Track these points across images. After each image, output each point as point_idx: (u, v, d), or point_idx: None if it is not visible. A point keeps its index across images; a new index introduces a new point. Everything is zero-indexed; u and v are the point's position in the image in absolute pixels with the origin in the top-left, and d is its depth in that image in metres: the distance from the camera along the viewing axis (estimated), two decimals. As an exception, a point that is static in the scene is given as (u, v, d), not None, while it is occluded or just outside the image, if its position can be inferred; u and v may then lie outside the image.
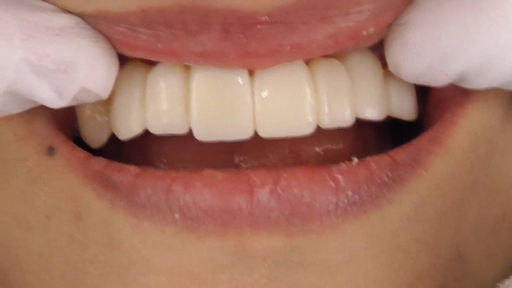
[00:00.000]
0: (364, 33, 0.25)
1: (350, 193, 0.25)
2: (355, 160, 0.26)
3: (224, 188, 0.25)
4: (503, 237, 0.28)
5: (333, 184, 0.25)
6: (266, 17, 0.24)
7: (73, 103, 0.25)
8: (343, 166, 0.26)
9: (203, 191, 0.25)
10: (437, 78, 0.25)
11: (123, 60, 0.28)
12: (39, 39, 0.23)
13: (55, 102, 0.24)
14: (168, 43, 0.25)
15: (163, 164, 0.31)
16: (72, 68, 0.24)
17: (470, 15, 0.23)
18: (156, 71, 0.28)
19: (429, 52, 0.24)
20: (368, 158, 0.26)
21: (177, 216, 0.25)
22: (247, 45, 0.24)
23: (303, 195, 0.25)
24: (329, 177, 0.25)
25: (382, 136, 0.33)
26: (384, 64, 0.29)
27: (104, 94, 0.26)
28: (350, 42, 0.25)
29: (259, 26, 0.24)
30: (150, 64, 0.28)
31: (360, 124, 0.30)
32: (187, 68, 0.27)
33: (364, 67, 0.29)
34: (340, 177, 0.25)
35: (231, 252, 0.25)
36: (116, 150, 0.30)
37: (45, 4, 0.25)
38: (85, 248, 0.26)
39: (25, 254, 0.27)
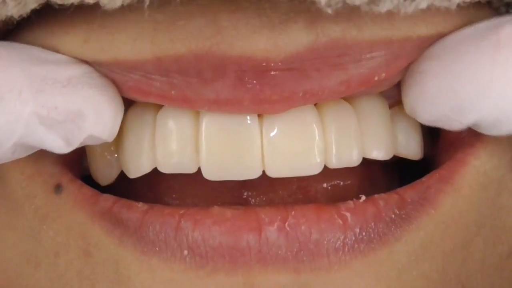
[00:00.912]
0: (376, 78, 0.26)
1: (357, 230, 0.25)
2: (363, 197, 0.26)
3: (233, 226, 0.25)
4: (507, 274, 0.28)
5: (340, 222, 0.25)
6: (279, 64, 0.24)
7: (78, 146, 0.25)
8: (350, 204, 0.26)
9: (212, 228, 0.25)
10: (452, 125, 0.25)
11: (133, 100, 0.28)
12: (47, 92, 0.24)
13: (63, 149, 0.25)
14: (182, 90, 0.25)
15: (172, 200, 0.32)
16: (79, 118, 0.24)
17: (486, 71, 0.23)
18: (166, 111, 0.28)
19: (444, 103, 0.25)
20: (376, 196, 0.26)
21: (185, 252, 0.25)
22: (260, 92, 0.25)
23: (311, 232, 0.25)
24: (337, 215, 0.26)
25: (390, 173, 0.33)
26: (391, 105, 0.30)
27: (110, 139, 0.26)
28: (362, 87, 0.26)
29: (272, 73, 0.24)
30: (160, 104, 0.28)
31: (368, 161, 0.30)
32: (197, 108, 0.28)
33: (372, 108, 0.29)
34: (348, 214, 0.26)
35: None
36: (125, 186, 0.31)
37: (54, 55, 0.25)
38: (93, 284, 0.26)
39: None
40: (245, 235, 0.25)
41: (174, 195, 0.32)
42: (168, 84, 0.25)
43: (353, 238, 0.25)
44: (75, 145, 0.25)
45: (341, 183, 0.33)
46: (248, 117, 0.27)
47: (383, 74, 0.26)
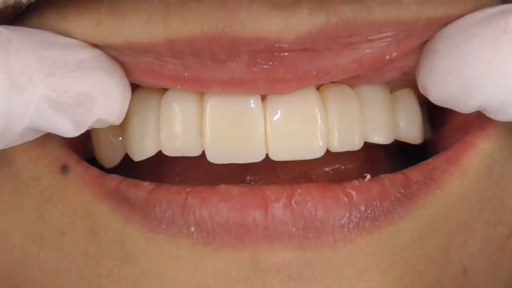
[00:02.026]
0: (388, 57, 0.26)
1: (362, 208, 0.26)
2: (368, 176, 0.27)
3: (239, 202, 0.25)
4: (507, 255, 0.29)
5: (346, 199, 0.26)
6: (292, 45, 0.24)
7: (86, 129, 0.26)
8: (356, 182, 0.26)
9: (219, 205, 0.25)
10: (460, 106, 0.26)
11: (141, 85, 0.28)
12: (58, 76, 0.24)
13: (71, 132, 0.25)
14: (195, 71, 0.25)
15: (175, 183, 0.32)
16: (89, 101, 0.25)
17: (492, 52, 0.24)
18: (170, 95, 0.28)
19: (452, 82, 0.25)
20: (382, 175, 0.27)
21: (192, 229, 0.25)
22: (274, 71, 0.25)
23: (317, 209, 0.25)
24: (342, 193, 0.26)
25: (391, 158, 0.33)
26: (392, 90, 0.30)
27: (117, 122, 0.26)
28: (374, 65, 0.26)
29: (285, 53, 0.25)
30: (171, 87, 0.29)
31: (369, 146, 0.30)
32: (201, 92, 0.28)
33: (373, 93, 0.29)
34: (353, 192, 0.26)
35: (245, 265, 0.25)
36: (129, 169, 0.31)
37: (64, 39, 0.25)
38: (99, 263, 0.26)
39: (40, 270, 0.28)
40: (252, 211, 0.25)
41: (176, 178, 0.32)
42: (181, 66, 0.25)
43: (358, 215, 0.26)
44: (83, 128, 0.25)
45: (343, 167, 0.33)
46: (252, 101, 0.27)
47: (394, 53, 0.26)
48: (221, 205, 0.25)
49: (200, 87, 0.26)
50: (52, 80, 0.24)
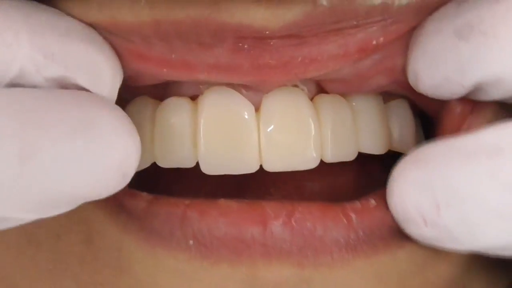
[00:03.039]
0: (374, 42, 0.26)
1: (361, 232, 0.26)
2: (372, 201, 0.26)
3: (238, 217, 0.25)
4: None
5: (345, 221, 0.26)
6: (278, 32, 0.24)
7: None
8: (357, 204, 0.26)
9: (218, 219, 0.25)
10: (454, 89, 0.25)
11: (132, 96, 0.28)
12: (45, 37, 0.23)
13: None
14: (182, 54, 0.25)
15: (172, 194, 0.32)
16: (76, 70, 0.24)
17: (488, 25, 0.24)
18: (165, 106, 0.28)
19: (447, 62, 0.25)
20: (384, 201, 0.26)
21: (191, 242, 0.25)
22: (260, 57, 0.25)
23: (316, 228, 0.25)
24: (342, 214, 0.26)
25: (387, 168, 0.33)
26: (385, 100, 0.30)
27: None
28: (360, 53, 0.26)
29: (271, 41, 0.25)
30: (159, 99, 0.29)
31: (364, 158, 0.30)
32: (195, 103, 0.28)
33: (366, 103, 0.29)
34: (353, 215, 0.26)
35: (242, 281, 0.25)
36: None
37: (54, 9, 0.25)
38: (95, 270, 0.26)
39: (35, 270, 0.27)
40: (250, 227, 0.25)
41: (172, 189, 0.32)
42: (168, 48, 0.25)
43: (357, 238, 0.25)
44: None
45: (338, 181, 0.33)
46: (246, 112, 0.27)
47: (381, 39, 0.26)
48: (220, 220, 0.25)
49: (187, 71, 0.26)
50: (39, 41, 0.23)
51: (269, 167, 0.28)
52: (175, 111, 0.28)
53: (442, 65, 0.25)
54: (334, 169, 0.31)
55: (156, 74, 0.26)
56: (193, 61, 0.25)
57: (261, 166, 0.28)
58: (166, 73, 0.26)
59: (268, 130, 0.28)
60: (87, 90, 0.24)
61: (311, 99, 0.29)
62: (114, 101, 0.25)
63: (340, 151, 0.29)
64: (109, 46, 0.25)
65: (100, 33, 0.25)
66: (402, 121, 0.30)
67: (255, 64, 0.25)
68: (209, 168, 0.28)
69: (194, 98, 0.28)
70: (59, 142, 0.22)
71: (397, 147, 0.31)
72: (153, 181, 0.32)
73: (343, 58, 0.26)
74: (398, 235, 0.26)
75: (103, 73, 0.25)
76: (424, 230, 0.24)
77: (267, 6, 0.24)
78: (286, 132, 0.28)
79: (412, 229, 0.25)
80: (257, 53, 0.25)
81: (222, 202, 0.26)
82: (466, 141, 0.23)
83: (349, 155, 0.29)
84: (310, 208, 0.26)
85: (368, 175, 0.33)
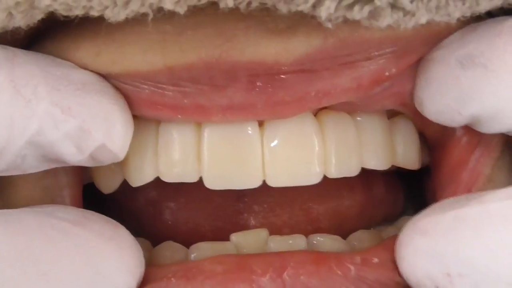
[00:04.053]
0: (387, 74, 0.26)
1: (363, 285, 0.25)
2: (375, 260, 0.26)
3: (224, 279, 0.25)
4: None
5: (340, 273, 0.25)
6: (290, 67, 0.24)
7: (90, 163, 0.25)
8: (357, 259, 0.26)
9: (204, 283, 0.25)
10: (453, 117, 0.25)
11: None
12: (62, 92, 0.24)
13: (74, 157, 0.25)
14: (195, 98, 0.25)
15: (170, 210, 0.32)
16: (92, 123, 0.24)
17: (487, 57, 0.24)
18: (168, 121, 0.28)
19: (448, 90, 0.25)
20: (387, 258, 0.26)
21: None
22: (273, 94, 0.25)
23: (311, 282, 0.25)
24: (336, 266, 0.25)
25: (392, 189, 0.33)
26: (389, 116, 0.30)
27: (121, 154, 0.26)
28: (373, 85, 0.26)
29: (283, 76, 0.25)
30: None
31: (369, 176, 0.30)
32: (199, 118, 0.28)
33: (370, 118, 0.29)
34: (352, 267, 0.25)
35: None
36: (126, 194, 0.31)
37: (68, 62, 0.25)
38: None
39: None
40: (237, 286, 0.25)
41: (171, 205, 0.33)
42: (180, 93, 0.25)
43: None
44: (86, 153, 0.25)
45: (343, 204, 0.33)
46: (249, 127, 0.27)
47: (393, 70, 0.26)
48: (206, 283, 0.25)
49: (201, 115, 0.26)
50: (56, 95, 0.24)
51: (273, 183, 0.28)
52: (179, 126, 0.28)
53: (444, 93, 0.25)
54: (340, 192, 0.30)
55: (170, 120, 0.27)
56: (207, 104, 0.26)
57: (265, 182, 0.28)
58: (180, 119, 0.26)
59: (272, 145, 0.28)
60: (102, 143, 0.25)
61: (315, 114, 0.29)
62: (125, 153, 0.26)
63: (344, 166, 0.29)
64: (122, 97, 0.26)
65: (112, 83, 0.26)
66: (406, 136, 0.30)
67: (269, 102, 0.25)
68: (213, 183, 0.28)
69: (198, 113, 0.28)
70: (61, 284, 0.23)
71: (401, 163, 0.31)
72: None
73: (356, 91, 0.26)
74: None
75: (117, 125, 0.25)
76: None
77: (278, 40, 0.24)
78: (290, 148, 0.28)
79: None
80: (270, 90, 0.25)
81: (207, 265, 0.26)
82: (473, 209, 0.23)
83: (353, 171, 0.29)
84: (303, 262, 0.25)
85: (373, 198, 0.33)
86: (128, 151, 0.29)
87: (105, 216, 0.26)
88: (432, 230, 0.24)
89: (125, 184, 0.30)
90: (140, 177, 0.29)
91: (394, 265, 0.25)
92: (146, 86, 0.25)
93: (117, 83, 0.26)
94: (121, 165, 0.30)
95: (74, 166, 0.28)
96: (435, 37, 0.25)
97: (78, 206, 0.28)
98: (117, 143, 0.25)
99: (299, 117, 0.28)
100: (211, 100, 0.25)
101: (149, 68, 0.25)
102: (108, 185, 0.31)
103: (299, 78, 0.25)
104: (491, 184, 0.27)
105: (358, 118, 0.29)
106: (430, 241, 0.24)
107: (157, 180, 0.29)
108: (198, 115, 0.26)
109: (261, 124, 0.28)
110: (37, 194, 0.28)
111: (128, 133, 0.26)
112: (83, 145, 0.24)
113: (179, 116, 0.26)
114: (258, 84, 0.25)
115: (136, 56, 0.25)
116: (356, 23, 0.23)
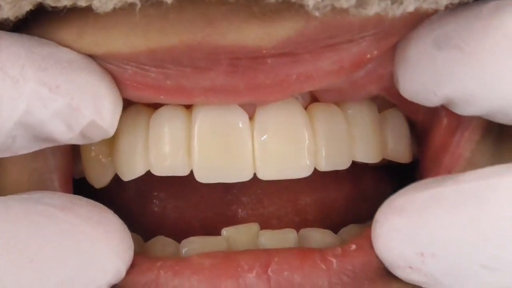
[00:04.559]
0: (368, 56, 0.26)
1: (344, 277, 0.25)
2: (353, 246, 0.26)
3: (211, 274, 0.25)
4: None
5: (324, 267, 0.25)
6: (272, 51, 0.24)
7: (81, 141, 0.25)
8: (338, 250, 0.26)
9: (191, 277, 0.25)
10: (429, 97, 0.25)
11: (127, 104, 0.28)
12: (49, 71, 0.24)
13: (65, 135, 0.24)
14: (177, 80, 0.25)
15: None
16: (81, 100, 0.24)
17: (463, 39, 0.24)
18: (159, 115, 0.28)
19: (424, 70, 0.25)
20: (367, 243, 0.26)
21: None
22: (254, 77, 0.25)
23: (294, 277, 0.25)
24: (320, 260, 0.26)
25: (381, 183, 0.33)
26: (380, 109, 0.30)
27: (111, 130, 0.26)
28: (355, 68, 0.26)
29: (265, 59, 0.25)
30: (153, 107, 0.29)
31: (358, 170, 0.30)
32: (189, 111, 0.28)
33: (361, 111, 0.30)
34: (333, 260, 0.26)
35: None
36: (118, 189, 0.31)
37: (53, 42, 0.25)
38: None
39: None
40: (224, 282, 0.25)
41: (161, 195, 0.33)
42: (162, 75, 0.25)
43: (340, 282, 0.25)
44: (76, 130, 0.24)
45: (331, 195, 0.33)
46: (240, 121, 0.28)
47: (375, 52, 0.26)
48: (193, 278, 0.25)
49: (183, 97, 0.26)
50: (43, 75, 0.24)
51: (263, 176, 0.28)
52: (170, 119, 0.28)
53: (420, 72, 0.25)
54: (328, 184, 0.30)
55: (153, 100, 0.27)
56: (189, 86, 0.26)
57: (255, 175, 0.28)
58: (163, 99, 0.26)
59: (262, 138, 0.28)
60: (92, 120, 0.25)
61: (305, 108, 0.29)
62: (115, 129, 0.26)
63: (334, 159, 0.29)
64: (108, 74, 0.26)
65: (97, 62, 0.26)
66: (396, 130, 0.30)
67: (250, 85, 0.25)
68: (203, 176, 0.28)
69: (188, 106, 0.28)
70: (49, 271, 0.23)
71: (391, 156, 0.31)
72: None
73: (338, 73, 0.26)
74: (387, 274, 0.26)
75: (105, 101, 0.25)
76: (412, 276, 0.25)
77: (260, 25, 0.24)
78: (280, 141, 0.28)
79: (400, 274, 0.25)
80: (252, 73, 0.25)
81: (194, 259, 0.26)
82: (447, 188, 0.24)
83: (343, 164, 0.29)
84: (287, 258, 0.26)
85: (361, 190, 0.33)
86: (119, 145, 0.29)
87: (92, 201, 0.26)
88: (406, 209, 0.24)
89: (115, 177, 0.30)
90: (131, 171, 0.29)
91: (372, 250, 0.26)
92: (129, 67, 0.25)
93: (101, 62, 0.26)
94: (112, 159, 0.30)
95: (64, 149, 0.29)
96: (417, 20, 0.25)
97: (68, 190, 0.29)
98: (107, 119, 0.25)
99: (289, 110, 0.28)
100: (193, 82, 0.25)
101: (131, 50, 0.25)
102: (99, 179, 0.31)
103: (280, 61, 0.25)
104: (471, 167, 0.27)
105: (349, 111, 0.29)
106: (405, 220, 0.24)
107: (146, 172, 0.29)
108: (181, 97, 0.26)
109: (251, 118, 0.28)
110: (26, 177, 0.28)
111: (117, 109, 0.26)
112: (73, 122, 0.24)
113: (162, 97, 0.26)
114: (239, 67, 0.25)
115: (118, 39, 0.25)
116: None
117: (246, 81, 0.25)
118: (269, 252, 0.26)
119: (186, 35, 0.24)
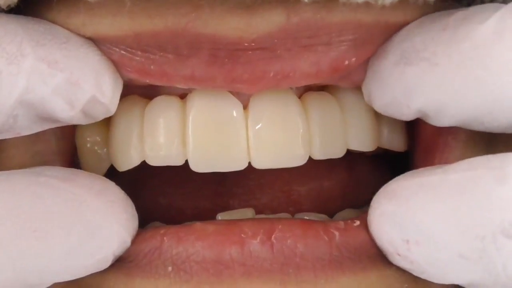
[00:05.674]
0: (346, 62, 0.26)
1: (345, 250, 0.26)
2: (357, 222, 0.26)
3: (215, 240, 0.26)
4: None
5: (326, 238, 0.26)
6: (252, 44, 0.25)
7: (83, 120, 0.25)
8: (341, 224, 0.26)
9: (195, 243, 0.26)
10: (402, 111, 0.26)
11: (122, 94, 0.28)
12: (48, 46, 0.24)
13: (66, 112, 0.24)
14: (160, 65, 0.26)
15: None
16: (81, 76, 0.24)
17: (431, 52, 0.24)
18: (154, 105, 0.29)
19: (394, 84, 0.25)
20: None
21: (170, 269, 0.25)
22: (233, 70, 0.25)
23: (297, 246, 0.25)
24: (323, 231, 0.26)
25: (376, 173, 0.33)
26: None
27: (112, 107, 0.26)
28: (333, 73, 0.26)
29: (244, 52, 0.25)
30: (148, 98, 0.29)
31: (353, 159, 0.30)
32: (184, 101, 0.28)
33: (355, 100, 0.30)
34: (336, 233, 0.26)
35: None
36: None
37: (47, 21, 0.25)
38: None
39: None
40: (228, 248, 0.25)
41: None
42: (147, 59, 0.25)
43: (341, 256, 0.25)
44: (77, 107, 0.24)
45: (325, 185, 0.33)
46: (234, 110, 0.28)
47: (353, 59, 0.26)
48: (197, 244, 0.25)
49: (165, 81, 0.26)
50: (42, 50, 0.24)
51: (258, 165, 0.28)
52: (164, 109, 0.28)
53: (390, 86, 0.25)
54: (322, 173, 0.30)
55: (140, 82, 0.27)
56: (171, 72, 0.26)
57: (250, 164, 0.28)
58: (149, 82, 0.27)
59: (257, 127, 0.28)
60: (93, 95, 0.25)
61: (299, 96, 0.29)
62: (116, 107, 0.26)
63: (329, 148, 0.29)
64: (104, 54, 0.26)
65: None
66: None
67: (228, 77, 0.25)
68: (198, 165, 0.28)
69: (183, 96, 0.29)
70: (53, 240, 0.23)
71: (386, 145, 0.31)
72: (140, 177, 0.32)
73: (316, 77, 0.26)
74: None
75: (106, 76, 0.25)
76: (401, 263, 0.25)
77: (242, 15, 0.24)
78: (274, 130, 0.28)
79: (391, 260, 0.25)
80: (230, 66, 0.25)
81: (198, 225, 0.26)
82: (435, 177, 0.24)
83: (338, 152, 0.29)
84: (291, 226, 0.26)
85: (355, 179, 0.33)
86: (114, 135, 0.29)
87: (93, 173, 0.26)
88: (397, 195, 0.24)
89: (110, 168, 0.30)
90: (126, 161, 0.29)
91: None
92: (116, 49, 0.26)
93: None
94: (108, 150, 0.30)
95: (66, 133, 0.29)
96: (392, 29, 0.26)
97: None
98: (107, 94, 0.25)
99: (284, 99, 0.28)
100: (175, 69, 0.26)
101: (117, 33, 0.25)
102: (95, 170, 0.31)
103: (259, 56, 0.25)
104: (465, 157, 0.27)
105: (343, 100, 0.29)
106: (394, 206, 0.24)
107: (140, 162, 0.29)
108: (164, 81, 0.26)
109: (245, 107, 0.28)
110: (28, 160, 0.28)
111: (118, 84, 0.26)
112: (73, 98, 0.24)
113: (147, 80, 0.26)
114: (219, 58, 0.25)
115: (105, 20, 0.25)
116: (320, 4, 0.24)
117: (224, 73, 0.25)
118: (273, 221, 0.26)
119: (171, 20, 0.24)
